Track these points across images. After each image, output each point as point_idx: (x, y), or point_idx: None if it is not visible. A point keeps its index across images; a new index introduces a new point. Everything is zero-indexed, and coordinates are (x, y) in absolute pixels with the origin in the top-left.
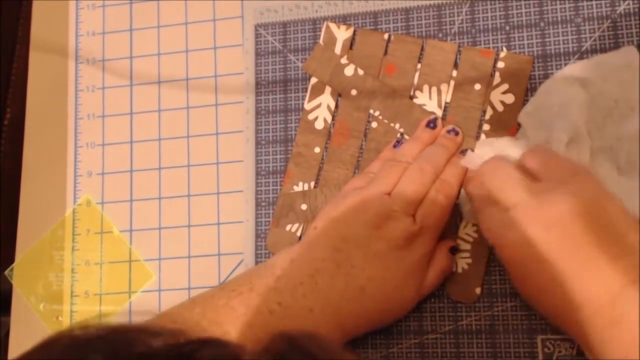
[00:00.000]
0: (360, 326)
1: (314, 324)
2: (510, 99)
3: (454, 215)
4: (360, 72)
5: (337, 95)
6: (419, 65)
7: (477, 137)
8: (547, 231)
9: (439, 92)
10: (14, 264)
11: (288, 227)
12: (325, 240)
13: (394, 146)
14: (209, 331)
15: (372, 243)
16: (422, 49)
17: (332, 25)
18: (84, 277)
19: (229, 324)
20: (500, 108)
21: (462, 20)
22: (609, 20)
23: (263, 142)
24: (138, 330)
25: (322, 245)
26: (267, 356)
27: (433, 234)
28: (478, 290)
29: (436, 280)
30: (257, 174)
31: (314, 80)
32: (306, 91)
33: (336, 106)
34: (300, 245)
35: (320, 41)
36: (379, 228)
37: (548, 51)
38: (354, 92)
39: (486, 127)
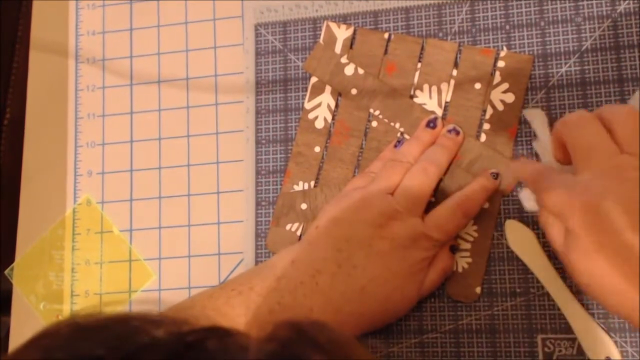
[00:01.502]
0: (361, 326)
1: None
2: (510, 98)
3: None
4: (361, 71)
5: (338, 94)
6: (419, 65)
7: (478, 137)
8: (624, 195)
9: (439, 91)
10: (14, 264)
11: (288, 227)
12: (327, 240)
13: (395, 146)
14: None
15: (374, 243)
16: (423, 48)
17: (333, 25)
18: (84, 276)
19: (228, 323)
20: (500, 107)
21: (462, 19)
22: (609, 20)
23: (263, 141)
24: (141, 319)
25: (324, 245)
26: (273, 345)
27: (443, 241)
28: (478, 290)
29: (437, 279)
30: (257, 173)
31: (314, 79)
32: (306, 90)
33: (336, 105)
34: (302, 245)
35: (321, 40)
36: (382, 228)
37: (548, 50)
38: (354, 91)
39: (486, 126)
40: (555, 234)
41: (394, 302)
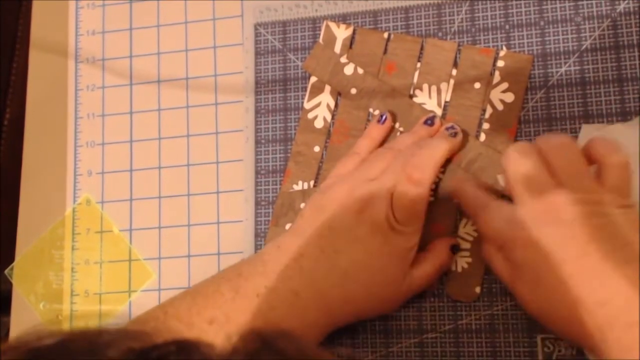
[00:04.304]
0: (347, 312)
1: (300, 309)
2: (509, 97)
3: (455, 214)
4: (360, 71)
5: (337, 94)
6: (418, 64)
7: (477, 136)
8: (559, 232)
9: (439, 91)
10: (14, 263)
11: (287, 226)
12: (311, 227)
13: (378, 121)
14: (196, 320)
15: (354, 227)
16: (422, 47)
17: (332, 24)
18: (84, 276)
19: (218, 309)
20: (500, 107)
21: (461, 19)
22: (609, 19)
23: (263, 141)
24: (104, 335)
25: (308, 232)
26: (239, 357)
27: (413, 226)
28: (478, 289)
29: (432, 273)
30: (257, 173)
31: (313, 79)
32: (306, 90)
33: (336, 105)
34: (288, 233)
35: (320, 40)
36: (361, 212)
37: (548, 50)
38: (353, 91)
39: (486, 125)
40: (500, 266)
41: (378, 285)
